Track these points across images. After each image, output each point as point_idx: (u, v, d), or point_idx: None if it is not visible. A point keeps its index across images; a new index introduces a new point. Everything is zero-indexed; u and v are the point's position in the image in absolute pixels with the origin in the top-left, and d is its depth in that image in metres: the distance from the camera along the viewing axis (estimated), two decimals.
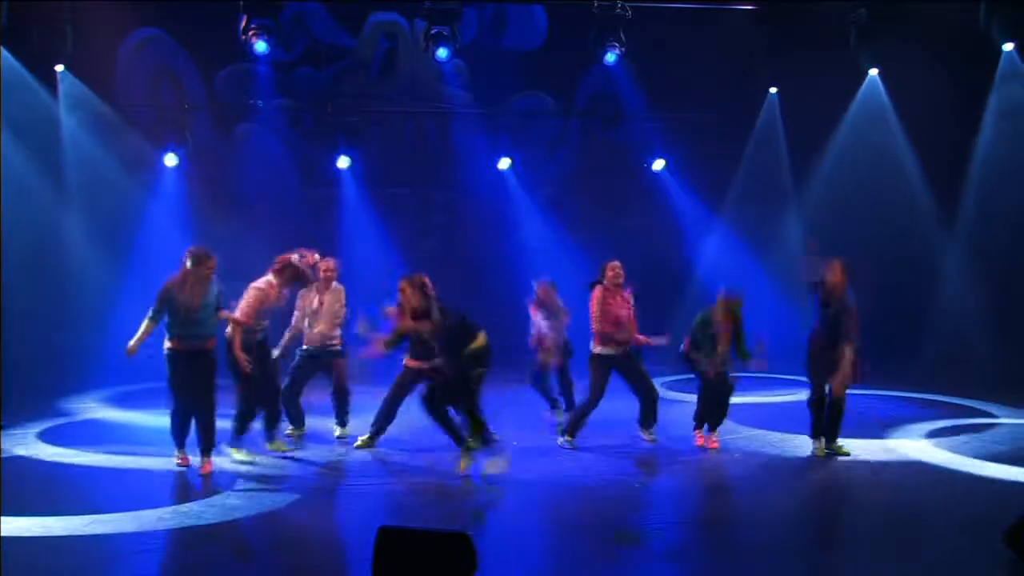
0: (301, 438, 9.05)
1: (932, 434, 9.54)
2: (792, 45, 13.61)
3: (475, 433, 8.00)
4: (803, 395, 8.87)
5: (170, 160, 13.39)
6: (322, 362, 9.16)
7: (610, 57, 12.97)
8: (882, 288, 13.51)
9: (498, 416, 10.27)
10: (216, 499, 7.23)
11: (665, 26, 14.07)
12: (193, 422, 8.01)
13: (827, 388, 8.46)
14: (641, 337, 8.87)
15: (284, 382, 8.86)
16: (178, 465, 8.03)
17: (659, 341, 8.92)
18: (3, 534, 6.12)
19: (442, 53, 12.69)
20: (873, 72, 13.54)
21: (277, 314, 8.67)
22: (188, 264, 7.91)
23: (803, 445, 8.88)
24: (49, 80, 12.66)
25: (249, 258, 10.80)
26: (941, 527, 6.80)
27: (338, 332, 9.20)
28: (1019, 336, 12.42)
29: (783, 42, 13.93)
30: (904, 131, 13.46)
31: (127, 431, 9.74)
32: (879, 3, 12.74)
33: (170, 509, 6.97)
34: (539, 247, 14.27)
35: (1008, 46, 12.39)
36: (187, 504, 7.12)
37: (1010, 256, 12.67)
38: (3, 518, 6.35)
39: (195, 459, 8.02)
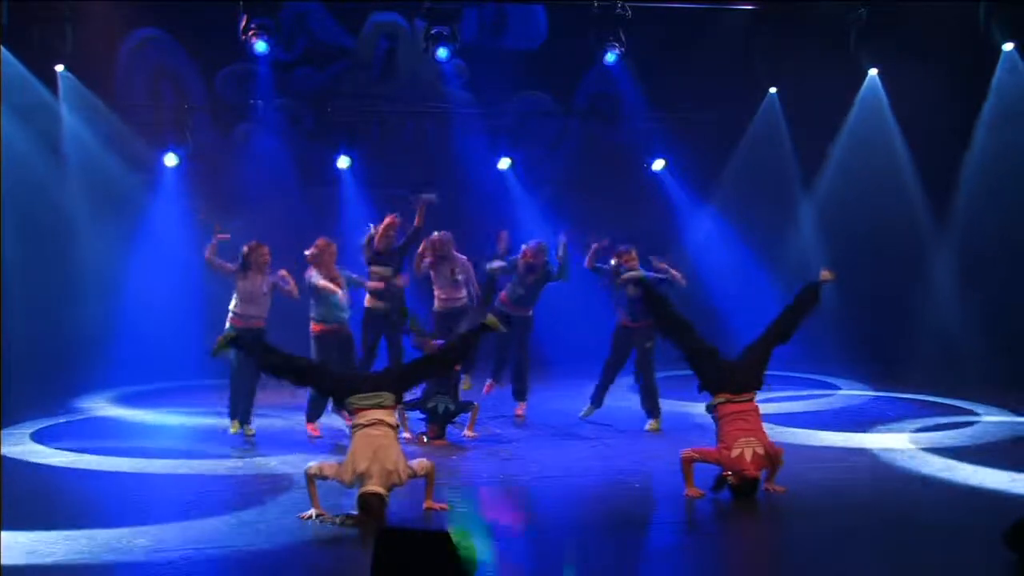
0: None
1: (917, 432, 9.56)
2: (792, 45, 13.60)
3: None
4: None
5: (170, 160, 13.38)
6: None
7: (610, 57, 12.99)
8: (876, 287, 13.51)
9: (499, 414, 10.36)
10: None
11: (665, 26, 14.06)
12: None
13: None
14: None
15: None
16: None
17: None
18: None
19: (442, 53, 12.71)
20: (873, 72, 13.54)
21: None
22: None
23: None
24: (49, 80, 12.64)
25: None
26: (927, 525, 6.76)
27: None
28: (1006, 337, 12.40)
29: (783, 42, 13.92)
30: (902, 131, 13.43)
31: (140, 432, 9.80)
32: (879, 3, 12.75)
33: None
34: None
35: (1008, 46, 12.39)
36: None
37: (1002, 256, 12.66)
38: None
39: None
